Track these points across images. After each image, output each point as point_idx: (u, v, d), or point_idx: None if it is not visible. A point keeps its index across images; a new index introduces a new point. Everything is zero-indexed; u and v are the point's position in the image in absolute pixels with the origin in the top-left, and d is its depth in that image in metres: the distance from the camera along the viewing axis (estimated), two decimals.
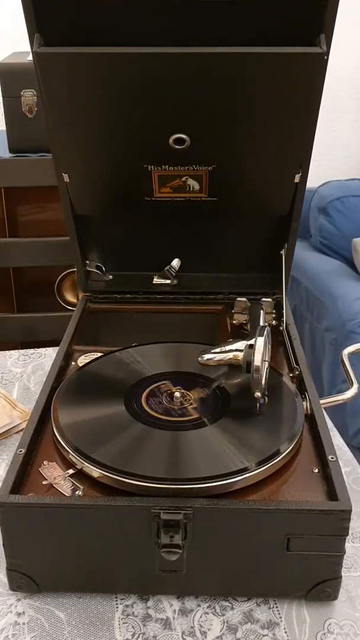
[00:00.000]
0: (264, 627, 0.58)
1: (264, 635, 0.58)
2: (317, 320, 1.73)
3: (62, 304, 1.55)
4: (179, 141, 0.75)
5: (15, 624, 0.59)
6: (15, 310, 1.59)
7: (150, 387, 0.72)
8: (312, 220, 1.96)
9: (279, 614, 0.60)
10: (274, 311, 0.92)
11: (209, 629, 0.58)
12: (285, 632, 0.58)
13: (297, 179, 0.80)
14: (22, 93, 1.43)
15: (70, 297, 1.55)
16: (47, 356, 1.02)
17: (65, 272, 1.53)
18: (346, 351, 0.79)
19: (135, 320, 0.93)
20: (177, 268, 0.96)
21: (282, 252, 0.91)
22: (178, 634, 0.58)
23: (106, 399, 0.70)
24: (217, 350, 0.71)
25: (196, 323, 0.93)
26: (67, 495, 0.59)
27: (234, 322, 0.91)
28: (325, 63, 0.68)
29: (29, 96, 1.43)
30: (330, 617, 0.60)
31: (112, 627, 0.58)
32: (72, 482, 0.61)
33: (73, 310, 0.96)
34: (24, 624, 0.59)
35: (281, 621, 0.59)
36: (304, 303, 1.83)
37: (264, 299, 0.91)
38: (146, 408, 0.68)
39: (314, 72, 0.69)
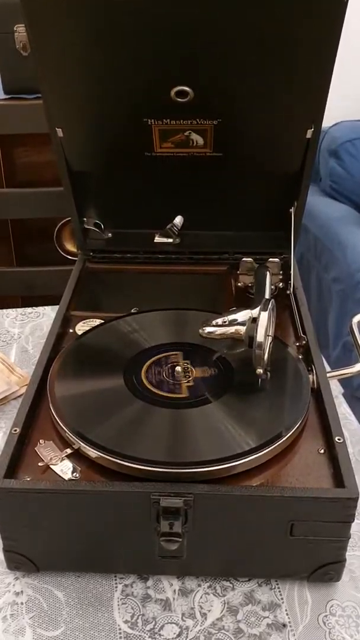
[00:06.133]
0: (265, 609, 0.58)
1: (264, 617, 0.57)
2: (325, 270, 1.69)
3: (62, 253, 1.51)
4: (182, 94, 0.69)
5: (13, 604, 0.58)
6: (15, 261, 1.55)
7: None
8: (322, 163, 1.88)
9: (281, 594, 0.59)
10: (281, 272, 0.88)
11: (209, 611, 0.57)
12: (287, 614, 0.57)
13: (309, 134, 0.75)
14: (15, 28, 1.34)
15: (69, 247, 1.50)
16: (46, 316, 0.99)
17: (63, 221, 1.47)
18: (356, 319, 0.75)
19: (135, 281, 0.89)
20: (179, 226, 0.91)
21: (292, 210, 0.86)
22: (178, 615, 0.57)
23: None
24: (220, 321, 0.68)
25: (199, 284, 0.89)
26: (63, 477, 0.57)
27: (239, 284, 0.87)
28: (344, 6, 0.62)
29: (23, 31, 1.34)
30: (333, 598, 0.59)
31: (111, 608, 0.57)
32: (69, 462, 0.59)
33: (73, 261, 0.92)
34: (22, 603, 0.58)
35: (283, 602, 0.58)
36: (311, 251, 1.78)
37: (271, 259, 0.87)
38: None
39: (332, 16, 0.62)
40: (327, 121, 1.91)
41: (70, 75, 0.71)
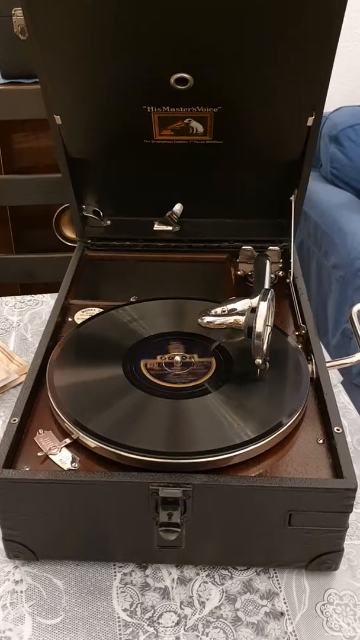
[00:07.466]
0: (263, 597, 0.58)
1: (262, 606, 0.57)
2: (325, 257, 1.68)
3: (61, 240, 1.50)
4: (181, 81, 0.68)
5: (13, 592, 0.58)
6: (13, 248, 1.54)
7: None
8: (323, 149, 1.86)
9: (279, 583, 0.59)
10: (281, 260, 0.87)
11: (207, 599, 0.58)
12: (285, 603, 0.58)
13: (310, 121, 0.74)
14: (13, 12, 1.32)
15: (68, 233, 1.50)
16: (45, 303, 0.98)
17: (62, 207, 1.46)
18: (355, 309, 0.74)
19: (134, 269, 0.89)
20: (179, 213, 0.90)
21: (292, 198, 0.85)
22: (176, 604, 0.57)
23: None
24: (219, 311, 0.67)
25: (199, 273, 0.89)
26: (62, 467, 0.57)
27: (239, 272, 0.86)
28: None
29: (21, 15, 1.32)
30: (331, 587, 0.59)
31: (110, 597, 0.58)
32: (68, 452, 0.59)
33: (72, 248, 0.91)
34: (21, 592, 0.58)
35: (281, 591, 0.59)
36: (311, 237, 1.77)
37: (271, 248, 0.87)
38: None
39: (334, 2, 0.62)
40: (328, 107, 1.89)
41: (68, 62, 0.70)
